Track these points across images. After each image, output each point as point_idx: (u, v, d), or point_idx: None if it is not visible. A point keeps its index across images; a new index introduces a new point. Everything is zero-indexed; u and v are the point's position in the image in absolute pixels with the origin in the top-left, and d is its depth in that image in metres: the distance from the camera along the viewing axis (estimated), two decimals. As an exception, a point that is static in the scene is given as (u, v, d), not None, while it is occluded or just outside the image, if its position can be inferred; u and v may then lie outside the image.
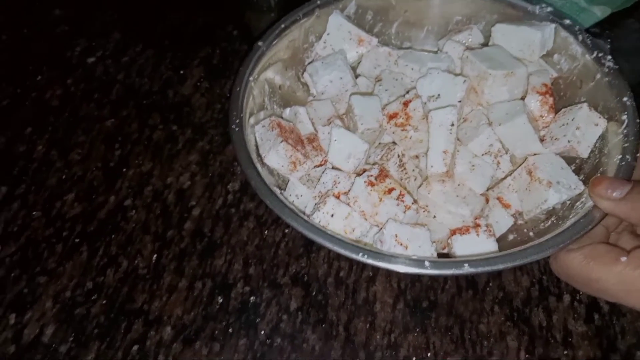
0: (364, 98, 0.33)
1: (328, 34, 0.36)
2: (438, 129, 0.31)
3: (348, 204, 0.30)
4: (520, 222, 0.32)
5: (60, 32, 0.49)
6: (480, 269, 0.25)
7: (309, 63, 0.37)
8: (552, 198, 0.29)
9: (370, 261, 0.25)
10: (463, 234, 0.30)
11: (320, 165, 0.33)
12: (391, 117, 0.32)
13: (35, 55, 0.48)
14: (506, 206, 0.32)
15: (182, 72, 0.46)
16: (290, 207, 0.28)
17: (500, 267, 0.25)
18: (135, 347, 0.32)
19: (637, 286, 0.23)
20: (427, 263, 0.25)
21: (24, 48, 0.48)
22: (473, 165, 0.31)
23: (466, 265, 0.25)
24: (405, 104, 0.33)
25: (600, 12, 0.45)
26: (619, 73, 0.31)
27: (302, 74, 0.37)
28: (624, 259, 0.24)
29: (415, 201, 0.31)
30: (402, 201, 0.30)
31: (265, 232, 0.36)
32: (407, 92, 0.34)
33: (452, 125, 0.30)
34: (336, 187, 0.31)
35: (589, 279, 0.25)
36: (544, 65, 0.35)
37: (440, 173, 0.31)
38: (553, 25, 0.34)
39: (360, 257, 0.25)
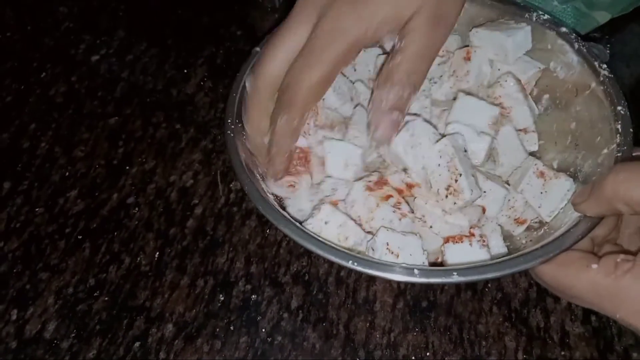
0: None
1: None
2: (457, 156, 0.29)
3: (345, 211, 0.30)
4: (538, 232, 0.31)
5: (65, 30, 0.49)
6: (469, 278, 0.25)
7: None
8: (570, 183, 0.30)
9: (359, 268, 0.25)
10: (456, 242, 0.30)
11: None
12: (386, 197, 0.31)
13: (39, 52, 0.48)
14: (521, 222, 0.32)
15: (185, 71, 0.46)
16: (283, 213, 0.28)
17: (489, 276, 0.25)
18: (137, 344, 0.32)
19: (608, 292, 0.23)
20: (416, 271, 0.25)
21: (29, 45, 0.48)
22: (484, 191, 0.31)
23: (455, 274, 0.25)
24: (409, 186, 0.31)
25: (600, 18, 0.45)
26: (615, 82, 0.31)
27: None
28: (594, 266, 0.24)
29: (412, 210, 0.31)
30: (399, 208, 0.30)
31: (267, 231, 0.37)
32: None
33: (465, 151, 0.30)
34: (334, 195, 0.31)
35: (562, 286, 0.25)
36: (527, 62, 0.35)
37: (476, 198, 0.30)
38: (528, 28, 0.34)
39: (350, 265, 0.25)
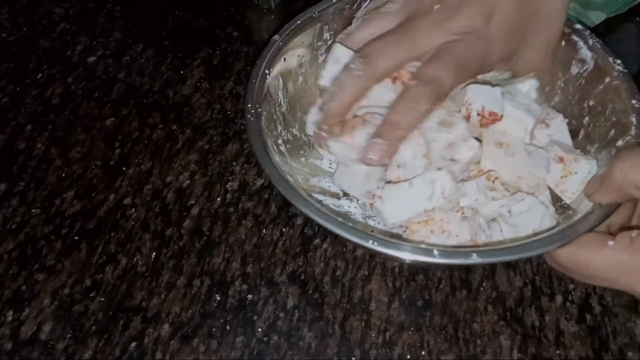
0: None
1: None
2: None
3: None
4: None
5: (61, 31, 0.50)
6: (488, 259, 0.25)
7: (323, 60, 0.37)
8: (591, 166, 0.30)
9: (379, 248, 0.25)
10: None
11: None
12: None
13: (35, 53, 0.48)
14: None
15: (182, 72, 0.46)
16: (303, 195, 0.28)
17: (507, 258, 0.26)
18: (133, 344, 0.32)
19: (626, 268, 0.24)
20: (435, 252, 0.25)
21: (25, 46, 0.48)
22: (529, 152, 0.31)
23: (474, 254, 0.25)
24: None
25: (595, 17, 0.45)
26: (629, 76, 0.31)
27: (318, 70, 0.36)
28: (611, 243, 0.24)
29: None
30: (492, 182, 0.31)
31: (263, 231, 0.37)
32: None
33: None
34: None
35: (578, 265, 0.25)
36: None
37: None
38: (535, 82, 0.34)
39: (370, 245, 0.26)
